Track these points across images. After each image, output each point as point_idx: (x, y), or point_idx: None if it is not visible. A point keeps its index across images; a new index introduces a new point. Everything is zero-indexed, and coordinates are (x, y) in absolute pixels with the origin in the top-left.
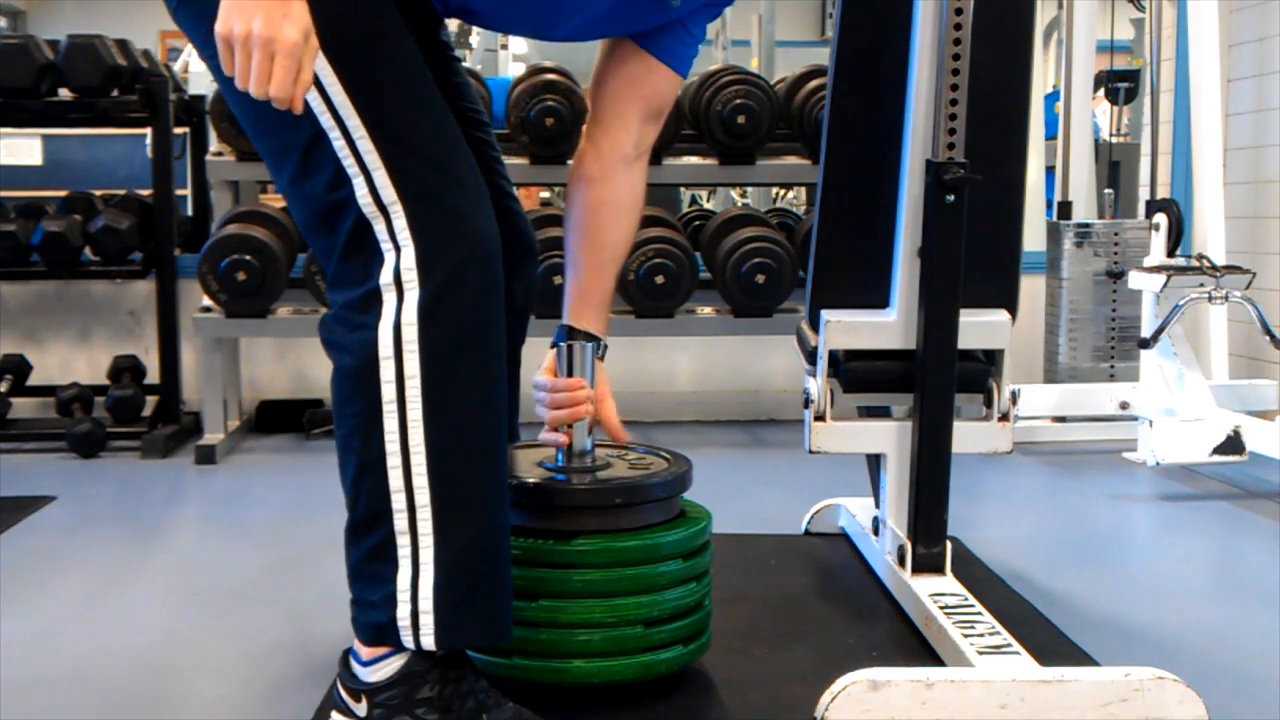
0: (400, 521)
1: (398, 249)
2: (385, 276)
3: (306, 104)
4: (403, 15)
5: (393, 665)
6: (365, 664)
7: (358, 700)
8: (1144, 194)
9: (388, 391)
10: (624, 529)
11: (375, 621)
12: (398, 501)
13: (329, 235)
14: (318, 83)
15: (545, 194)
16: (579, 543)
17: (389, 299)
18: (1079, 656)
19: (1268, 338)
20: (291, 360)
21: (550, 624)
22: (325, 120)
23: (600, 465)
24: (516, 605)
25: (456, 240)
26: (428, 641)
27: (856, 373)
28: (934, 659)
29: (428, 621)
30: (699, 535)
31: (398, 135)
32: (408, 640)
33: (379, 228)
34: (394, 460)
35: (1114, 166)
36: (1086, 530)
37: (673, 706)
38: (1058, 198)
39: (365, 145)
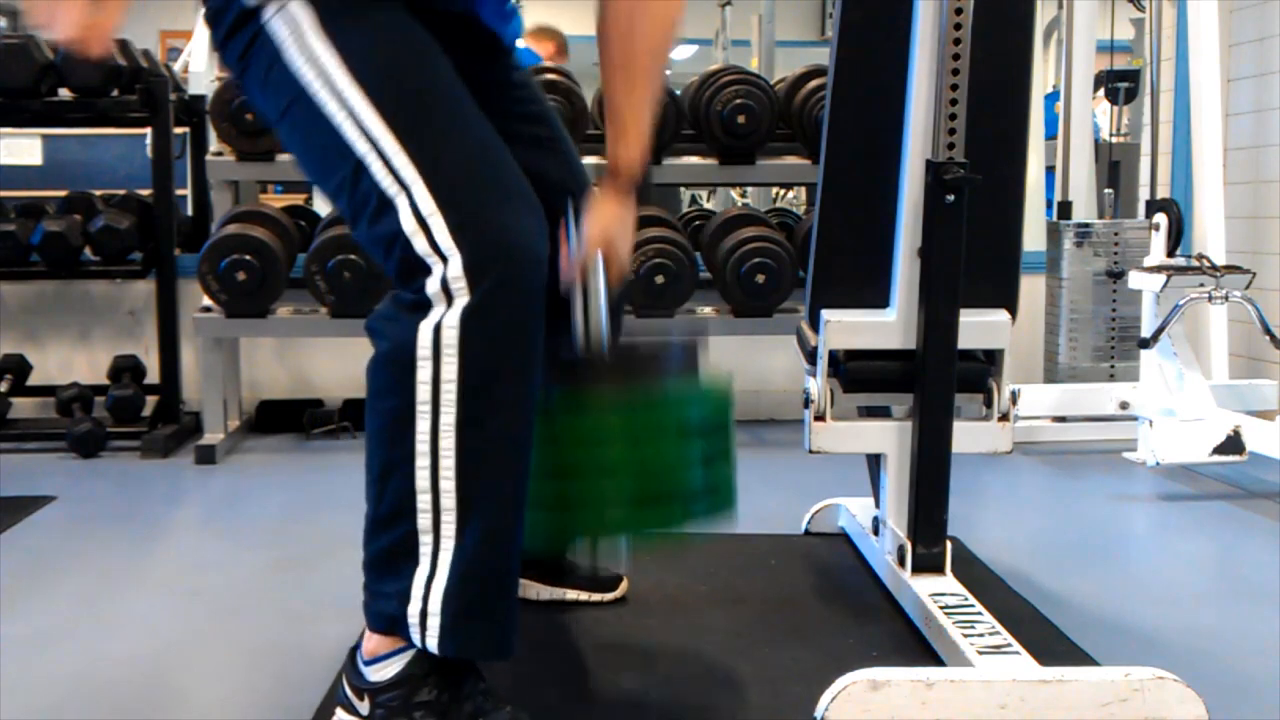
0: (424, 521)
1: (444, 259)
2: (433, 287)
3: (341, 135)
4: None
5: (394, 666)
6: (368, 663)
7: (361, 699)
8: (1144, 194)
9: (423, 392)
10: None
11: (387, 612)
12: (423, 502)
13: (389, 260)
14: (349, 109)
15: None
16: (577, 396)
17: (437, 305)
18: (1079, 656)
19: (1268, 338)
20: (291, 360)
21: (555, 475)
22: (361, 147)
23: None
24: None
25: (502, 249)
26: (431, 643)
27: (856, 372)
28: (934, 659)
29: (434, 624)
30: (708, 396)
31: (434, 149)
32: (415, 637)
33: (420, 244)
34: (423, 461)
35: (1114, 166)
36: (1086, 530)
37: (672, 705)
38: (1058, 197)
39: (401, 161)
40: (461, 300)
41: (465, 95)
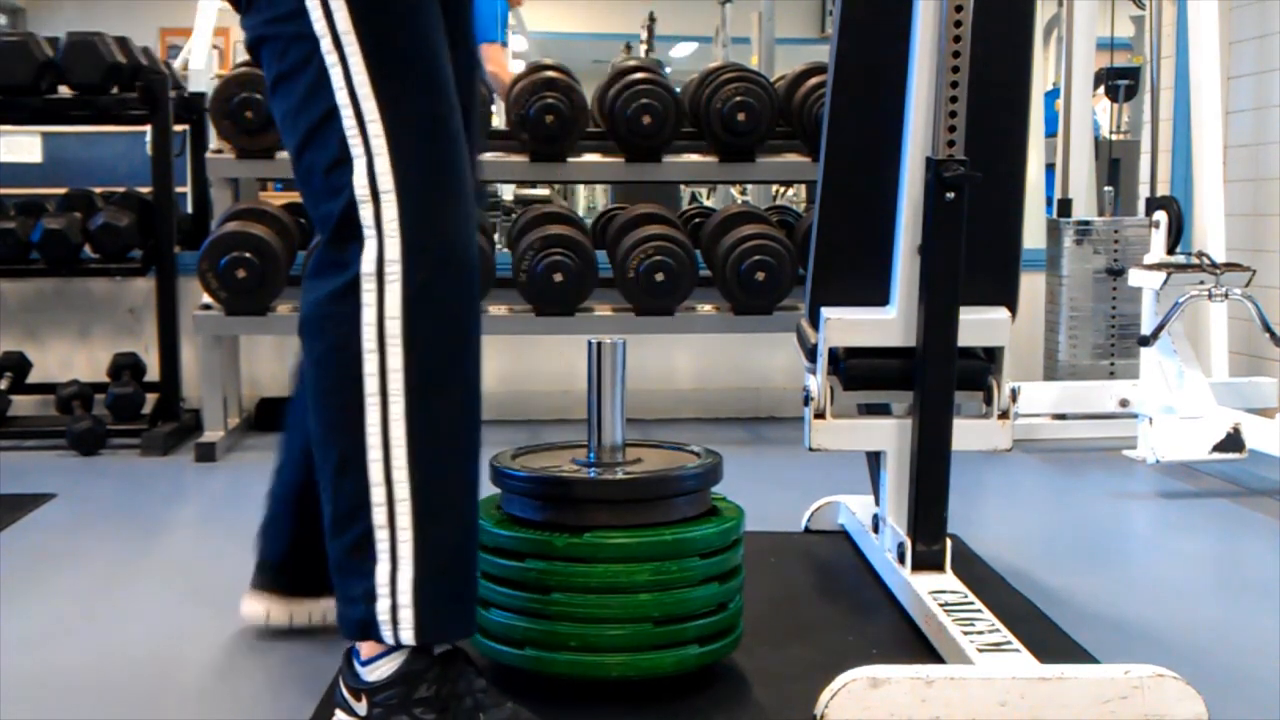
0: (379, 515)
1: (382, 238)
2: (367, 265)
3: (328, 76)
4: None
5: (390, 665)
6: (364, 663)
7: (358, 699)
8: (1144, 191)
9: (370, 385)
10: (637, 524)
11: (357, 617)
12: (377, 495)
13: (328, 208)
14: (344, 60)
15: (545, 190)
16: (589, 536)
17: (369, 288)
18: (1079, 654)
19: (1268, 335)
20: (291, 358)
21: (563, 618)
22: (341, 97)
23: (630, 461)
24: (532, 597)
25: (443, 237)
26: (406, 636)
27: (856, 370)
28: (934, 656)
29: (406, 616)
30: (721, 534)
31: (409, 125)
32: (387, 635)
33: (366, 212)
34: (374, 454)
35: (1114, 164)
36: (1086, 528)
37: (671, 704)
38: (1058, 195)
39: (375, 129)
40: (395, 286)
41: (449, 61)
